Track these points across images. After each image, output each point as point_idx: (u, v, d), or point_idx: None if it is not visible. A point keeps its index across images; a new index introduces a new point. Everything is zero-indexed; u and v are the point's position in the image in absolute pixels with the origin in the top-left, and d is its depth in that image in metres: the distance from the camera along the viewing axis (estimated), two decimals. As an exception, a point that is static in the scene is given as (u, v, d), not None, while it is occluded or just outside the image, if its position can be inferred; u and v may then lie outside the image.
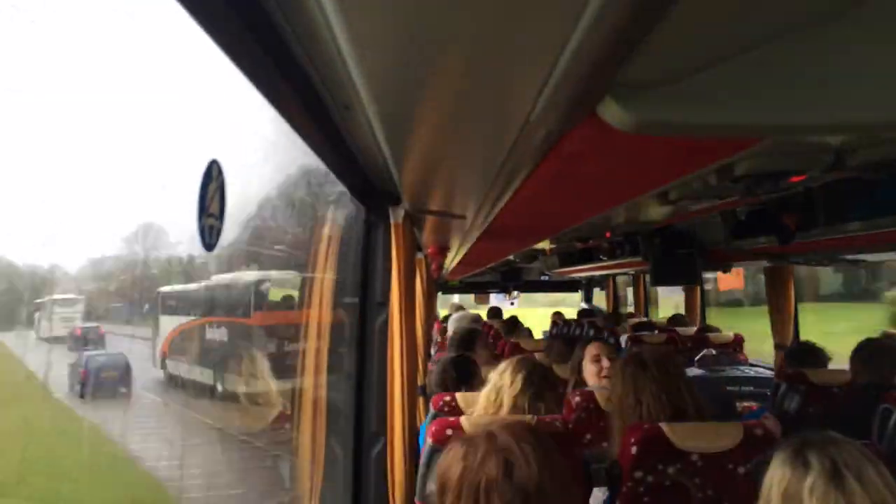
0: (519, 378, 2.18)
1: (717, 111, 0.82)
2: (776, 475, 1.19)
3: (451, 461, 1.22)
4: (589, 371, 2.87)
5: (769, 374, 4.49)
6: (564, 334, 6.95)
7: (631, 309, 8.42)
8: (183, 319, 10.57)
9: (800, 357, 3.26)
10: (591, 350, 2.90)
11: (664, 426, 1.90)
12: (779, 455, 1.22)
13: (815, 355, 3.29)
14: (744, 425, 1.93)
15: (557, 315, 8.97)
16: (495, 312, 8.48)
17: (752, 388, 4.13)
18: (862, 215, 2.36)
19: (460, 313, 4.47)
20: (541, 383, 2.21)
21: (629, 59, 0.71)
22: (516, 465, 1.16)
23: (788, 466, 1.18)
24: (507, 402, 2.16)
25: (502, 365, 2.27)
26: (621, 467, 1.91)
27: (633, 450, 1.87)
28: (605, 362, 2.81)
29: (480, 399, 2.24)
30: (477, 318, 4.41)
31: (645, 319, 6.86)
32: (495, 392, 2.18)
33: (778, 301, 4.55)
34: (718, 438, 1.90)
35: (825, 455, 1.15)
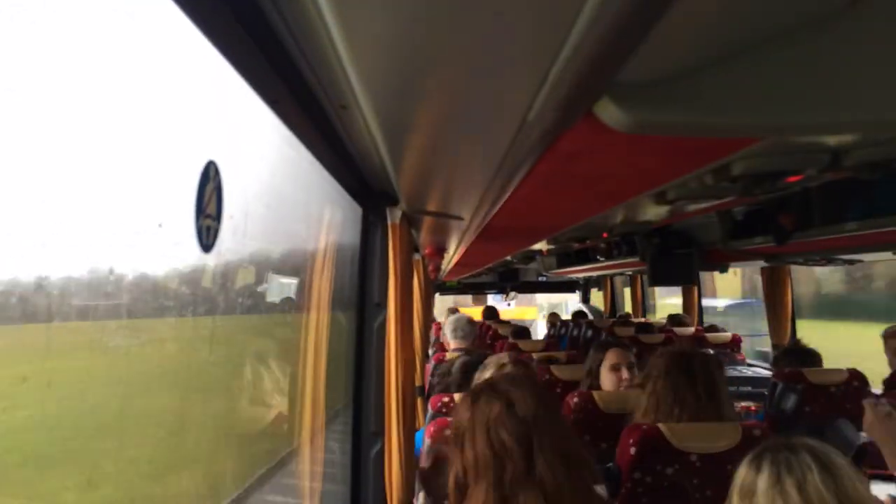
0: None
1: (714, 111, 0.82)
2: (738, 474, 1.27)
3: (461, 412, 1.45)
4: (607, 380, 2.71)
5: (767, 374, 4.50)
6: (563, 335, 6.96)
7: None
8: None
9: (796, 358, 3.24)
10: (611, 357, 2.72)
11: (662, 427, 1.90)
12: (746, 457, 1.29)
13: (811, 357, 3.26)
14: (742, 426, 1.93)
15: (554, 316, 8.97)
16: (491, 313, 8.43)
17: (750, 388, 4.14)
18: (858, 215, 2.36)
19: (456, 315, 4.48)
20: None
21: (626, 59, 0.71)
22: (516, 403, 1.40)
23: (745, 468, 1.26)
24: None
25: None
26: (620, 468, 1.91)
27: (632, 451, 1.87)
28: (625, 373, 2.67)
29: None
30: (471, 320, 4.40)
31: (644, 320, 6.87)
32: None
33: (775, 301, 4.57)
34: (717, 439, 1.90)
35: (775, 461, 1.21)
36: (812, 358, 3.27)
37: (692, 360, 2.03)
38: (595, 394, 2.50)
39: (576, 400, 2.47)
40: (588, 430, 2.44)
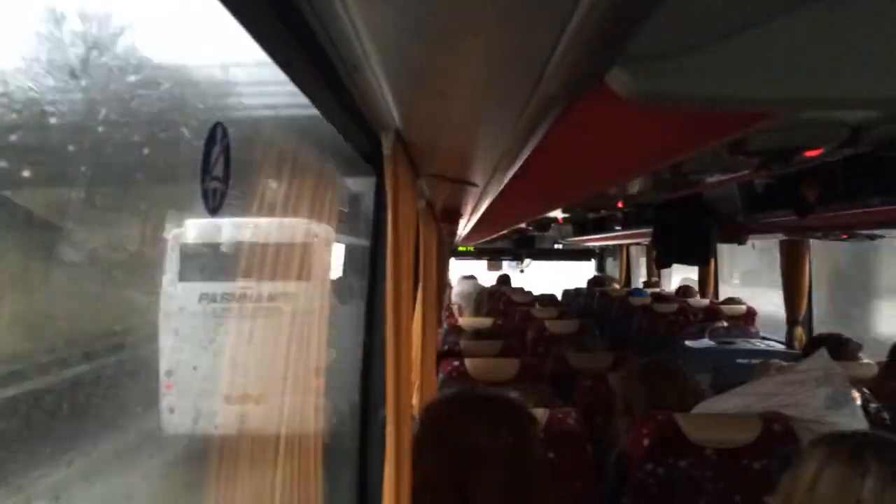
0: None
1: (729, 84, 0.80)
2: (826, 474, 1.18)
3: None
4: None
5: (780, 347, 4.49)
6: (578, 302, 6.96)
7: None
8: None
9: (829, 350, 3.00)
10: None
11: (678, 417, 1.85)
12: (823, 451, 1.21)
13: (846, 348, 2.99)
14: (762, 419, 1.86)
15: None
16: (504, 279, 8.57)
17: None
18: (884, 189, 2.31)
19: (468, 281, 4.53)
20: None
21: (639, 28, 0.69)
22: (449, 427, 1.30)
23: (842, 464, 1.17)
24: None
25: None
26: (630, 458, 1.87)
27: (646, 441, 1.83)
28: None
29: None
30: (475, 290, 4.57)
31: (658, 290, 6.85)
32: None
33: (792, 276, 4.53)
34: (734, 432, 1.84)
35: (883, 461, 1.14)
36: (848, 348, 2.98)
37: (657, 369, 2.15)
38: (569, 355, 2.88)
39: (588, 383, 2.73)
40: (600, 411, 2.58)
